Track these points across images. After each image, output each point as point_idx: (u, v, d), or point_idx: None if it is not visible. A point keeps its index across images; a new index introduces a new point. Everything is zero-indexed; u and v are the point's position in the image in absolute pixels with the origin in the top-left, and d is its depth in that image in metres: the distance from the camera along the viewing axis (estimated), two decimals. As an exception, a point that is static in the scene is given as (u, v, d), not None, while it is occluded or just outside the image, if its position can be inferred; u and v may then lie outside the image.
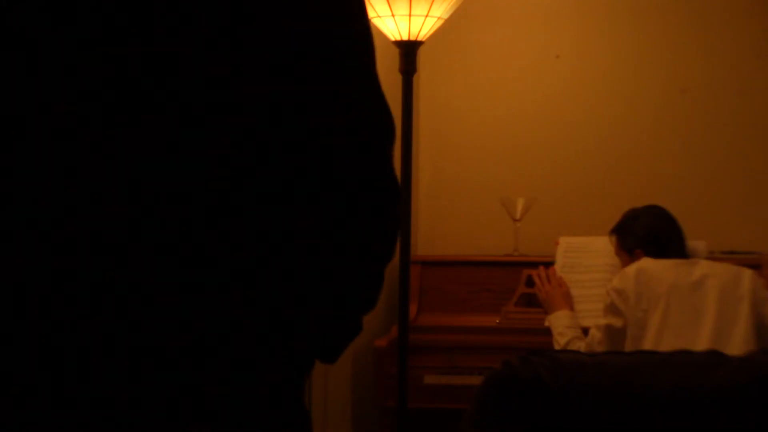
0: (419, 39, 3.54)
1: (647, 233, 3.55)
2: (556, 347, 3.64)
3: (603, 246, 3.88)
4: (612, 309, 3.36)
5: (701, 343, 3.17)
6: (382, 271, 1.28)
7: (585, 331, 3.63)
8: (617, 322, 3.35)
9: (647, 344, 3.24)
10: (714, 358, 2.48)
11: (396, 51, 3.58)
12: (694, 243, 3.66)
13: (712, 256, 3.79)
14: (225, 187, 1.18)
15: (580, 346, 3.53)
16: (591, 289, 3.90)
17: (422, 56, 3.90)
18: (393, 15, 3.48)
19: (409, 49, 3.55)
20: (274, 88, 1.19)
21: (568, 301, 3.86)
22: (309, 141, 1.21)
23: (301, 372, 1.27)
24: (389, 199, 1.26)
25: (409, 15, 3.47)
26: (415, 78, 3.65)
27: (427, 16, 3.48)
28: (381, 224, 1.26)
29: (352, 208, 1.23)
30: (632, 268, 3.38)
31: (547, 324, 3.80)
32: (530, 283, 3.98)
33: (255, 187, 1.19)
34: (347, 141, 1.22)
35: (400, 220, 1.29)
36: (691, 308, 3.29)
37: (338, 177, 1.22)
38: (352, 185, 1.22)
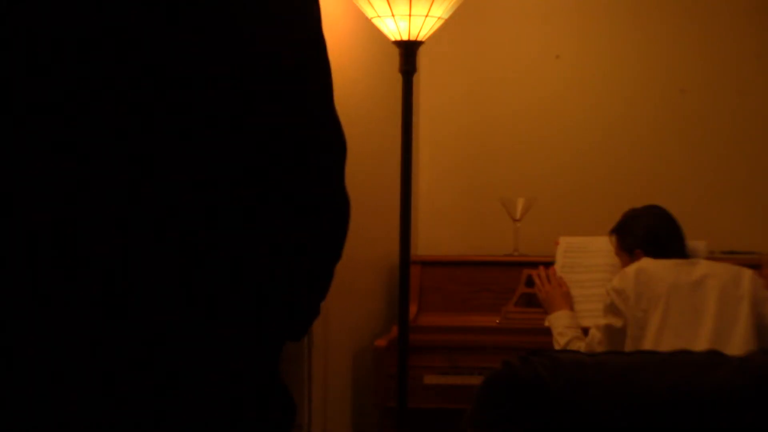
0: (419, 39, 3.54)
1: (647, 233, 3.55)
2: (556, 347, 3.65)
3: (603, 246, 3.88)
4: (612, 309, 3.36)
5: (701, 343, 3.17)
6: (330, 269, 1.39)
7: (585, 331, 3.63)
8: (617, 322, 3.35)
9: (647, 344, 3.24)
10: (714, 358, 2.48)
11: (396, 51, 3.58)
12: (694, 243, 3.66)
13: (712, 256, 3.79)
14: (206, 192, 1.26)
15: (580, 346, 3.53)
16: (591, 289, 3.91)
17: (422, 56, 3.90)
18: (393, 15, 3.48)
19: (409, 49, 3.56)
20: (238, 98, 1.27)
21: (568, 301, 3.86)
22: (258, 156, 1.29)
23: (274, 350, 1.36)
24: (335, 211, 1.37)
25: (409, 15, 3.47)
26: (415, 78, 3.65)
27: (427, 16, 3.48)
28: (328, 232, 1.36)
29: (300, 218, 1.33)
30: (632, 268, 3.38)
31: (547, 324, 3.80)
32: (530, 283, 3.98)
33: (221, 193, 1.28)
34: (296, 157, 1.32)
35: (344, 229, 1.38)
36: (691, 308, 3.29)
37: (286, 190, 1.31)
38: (299, 198, 1.32)
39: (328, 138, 1.39)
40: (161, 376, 1.25)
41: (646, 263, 3.39)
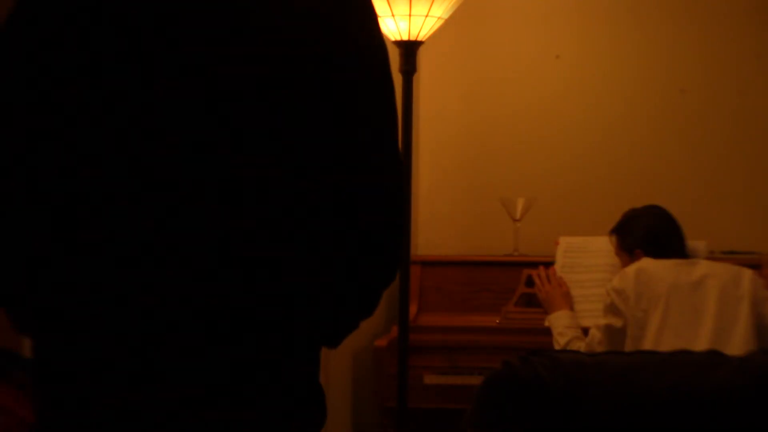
0: (419, 39, 3.55)
1: (647, 233, 3.55)
2: (556, 347, 3.64)
3: (603, 246, 3.88)
4: (612, 309, 3.36)
5: (701, 343, 3.17)
6: (379, 293, 1.55)
7: (585, 331, 3.63)
8: (617, 322, 3.35)
9: (647, 344, 3.24)
10: (714, 358, 2.49)
11: (396, 51, 3.58)
12: (694, 243, 3.66)
13: (712, 256, 3.79)
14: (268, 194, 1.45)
15: (580, 346, 3.53)
16: (591, 289, 3.91)
17: (422, 56, 3.90)
18: (393, 15, 3.48)
19: (409, 49, 3.56)
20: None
21: (568, 301, 3.86)
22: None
23: (313, 352, 1.55)
24: (391, 236, 1.55)
25: (409, 15, 3.47)
26: (415, 78, 3.65)
27: (427, 16, 3.48)
28: (386, 264, 1.55)
29: (360, 235, 1.49)
30: (632, 268, 3.38)
31: (547, 324, 3.80)
32: (530, 283, 3.98)
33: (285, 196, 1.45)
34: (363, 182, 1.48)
35: (399, 251, 1.57)
36: (691, 308, 3.29)
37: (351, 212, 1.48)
38: (361, 219, 1.49)
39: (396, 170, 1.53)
40: (240, 375, 1.44)
41: (646, 263, 3.39)
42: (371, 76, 1.48)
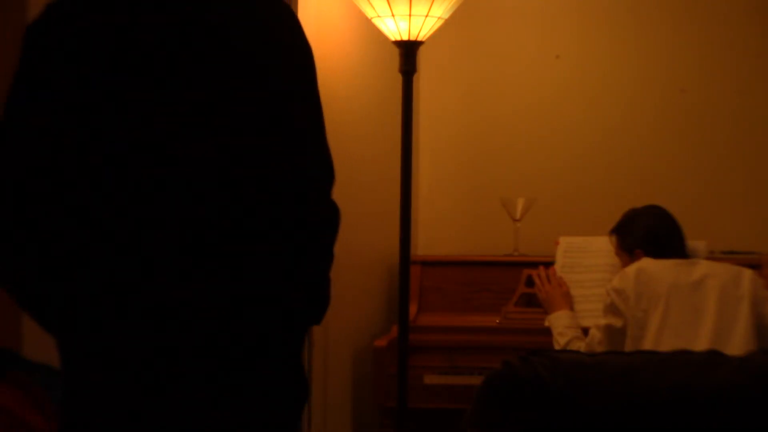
0: (419, 39, 3.55)
1: (647, 233, 3.55)
2: (556, 347, 3.64)
3: (603, 246, 3.88)
4: (612, 309, 3.36)
5: (701, 343, 3.17)
6: (324, 271, 1.78)
7: (585, 331, 3.63)
8: (617, 322, 3.35)
9: (647, 344, 3.24)
10: (714, 358, 2.48)
11: (396, 51, 3.58)
12: (694, 243, 3.66)
13: (712, 256, 3.79)
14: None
15: (580, 346, 3.53)
16: (591, 289, 3.91)
17: (422, 56, 3.90)
18: (393, 15, 3.48)
19: (409, 49, 3.56)
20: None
21: (568, 301, 3.86)
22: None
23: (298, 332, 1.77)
24: (323, 230, 1.77)
25: (409, 15, 3.47)
26: (415, 78, 3.65)
27: (427, 16, 3.48)
28: (327, 232, 1.78)
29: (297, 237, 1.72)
30: (632, 268, 3.38)
31: (547, 324, 3.80)
32: (530, 283, 3.98)
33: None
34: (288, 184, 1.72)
35: (331, 245, 1.78)
36: (691, 308, 3.29)
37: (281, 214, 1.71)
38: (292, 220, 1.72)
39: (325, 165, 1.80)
40: (242, 354, 1.67)
41: (646, 263, 3.39)
42: (301, 87, 1.77)
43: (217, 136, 1.66)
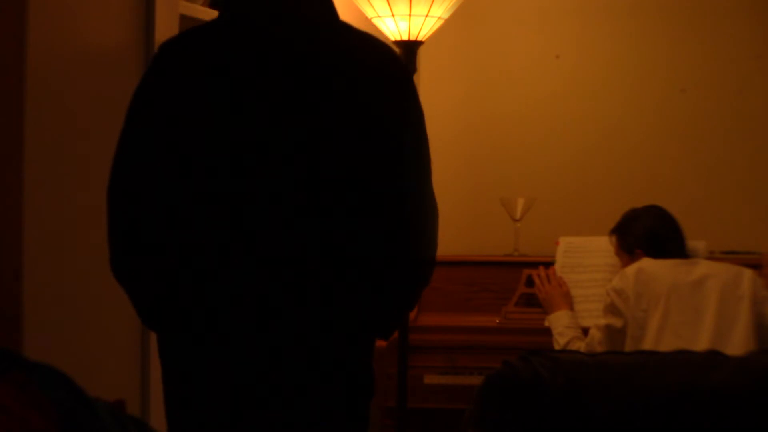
0: (419, 39, 3.55)
1: (647, 233, 3.55)
2: (556, 347, 3.65)
3: (603, 246, 3.88)
4: (612, 309, 3.36)
5: (701, 343, 3.17)
6: (419, 294, 2.21)
7: (585, 331, 3.63)
8: (617, 322, 3.35)
9: (647, 344, 3.24)
10: (714, 358, 2.48)
11: (396, 51, 3.58)
12: (694, 243, 3.66)
13: (712, 256, 3.79)
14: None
15: (580, 346, 3.53)
16: (591, 289, 3.90)
17: (422, 56, 3.90)
18: (393, 15, 3.48)
19: (409, 49, 3.56)
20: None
21: (568, 301, 3.86)
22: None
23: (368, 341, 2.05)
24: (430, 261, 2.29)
25: (409, 15, 3.47)
26: (415, 78, 3.65)
27: (427, 16, 3.48)
28: (423, 277, 2.27)
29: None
30: (632, 268, 3.38)
31: (547, 324, 3.80)
32: (530, 283, 3.98)
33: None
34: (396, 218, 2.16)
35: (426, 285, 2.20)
36: (691, 308, 3.29)
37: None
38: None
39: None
40: (322, 360, 1.94)
41: (646, 263, 3.39)
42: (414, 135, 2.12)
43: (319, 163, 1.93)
